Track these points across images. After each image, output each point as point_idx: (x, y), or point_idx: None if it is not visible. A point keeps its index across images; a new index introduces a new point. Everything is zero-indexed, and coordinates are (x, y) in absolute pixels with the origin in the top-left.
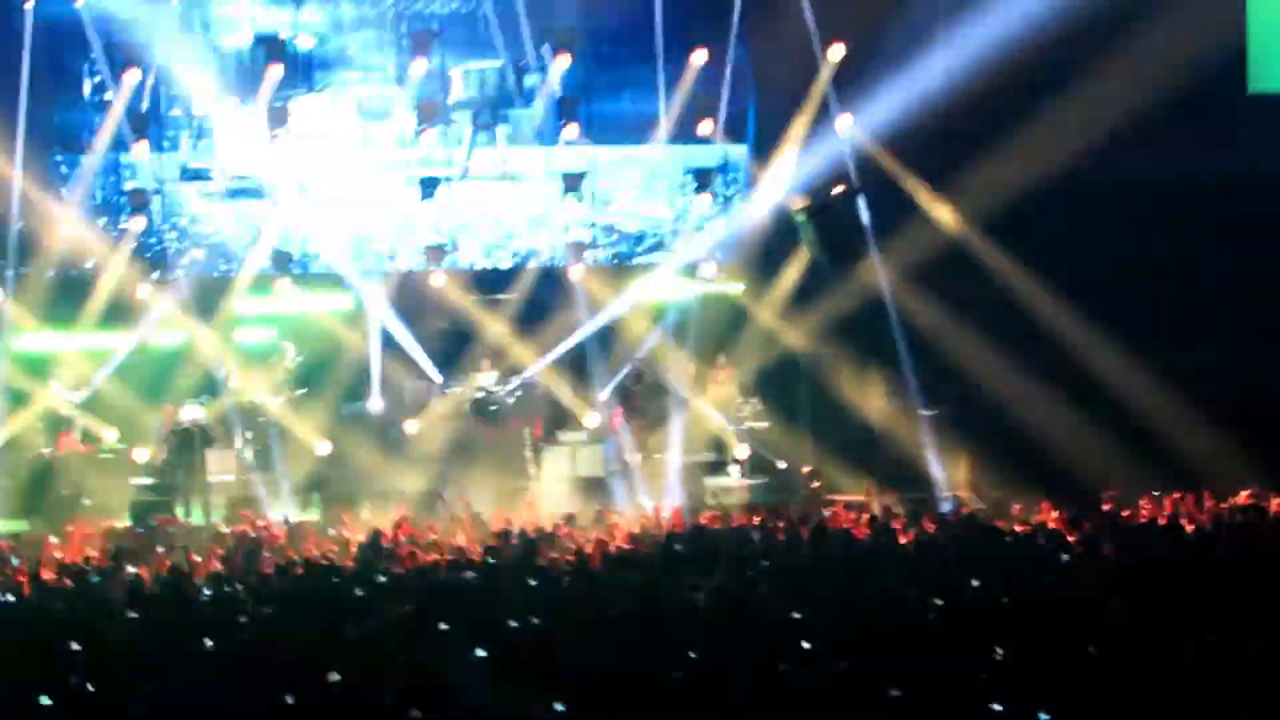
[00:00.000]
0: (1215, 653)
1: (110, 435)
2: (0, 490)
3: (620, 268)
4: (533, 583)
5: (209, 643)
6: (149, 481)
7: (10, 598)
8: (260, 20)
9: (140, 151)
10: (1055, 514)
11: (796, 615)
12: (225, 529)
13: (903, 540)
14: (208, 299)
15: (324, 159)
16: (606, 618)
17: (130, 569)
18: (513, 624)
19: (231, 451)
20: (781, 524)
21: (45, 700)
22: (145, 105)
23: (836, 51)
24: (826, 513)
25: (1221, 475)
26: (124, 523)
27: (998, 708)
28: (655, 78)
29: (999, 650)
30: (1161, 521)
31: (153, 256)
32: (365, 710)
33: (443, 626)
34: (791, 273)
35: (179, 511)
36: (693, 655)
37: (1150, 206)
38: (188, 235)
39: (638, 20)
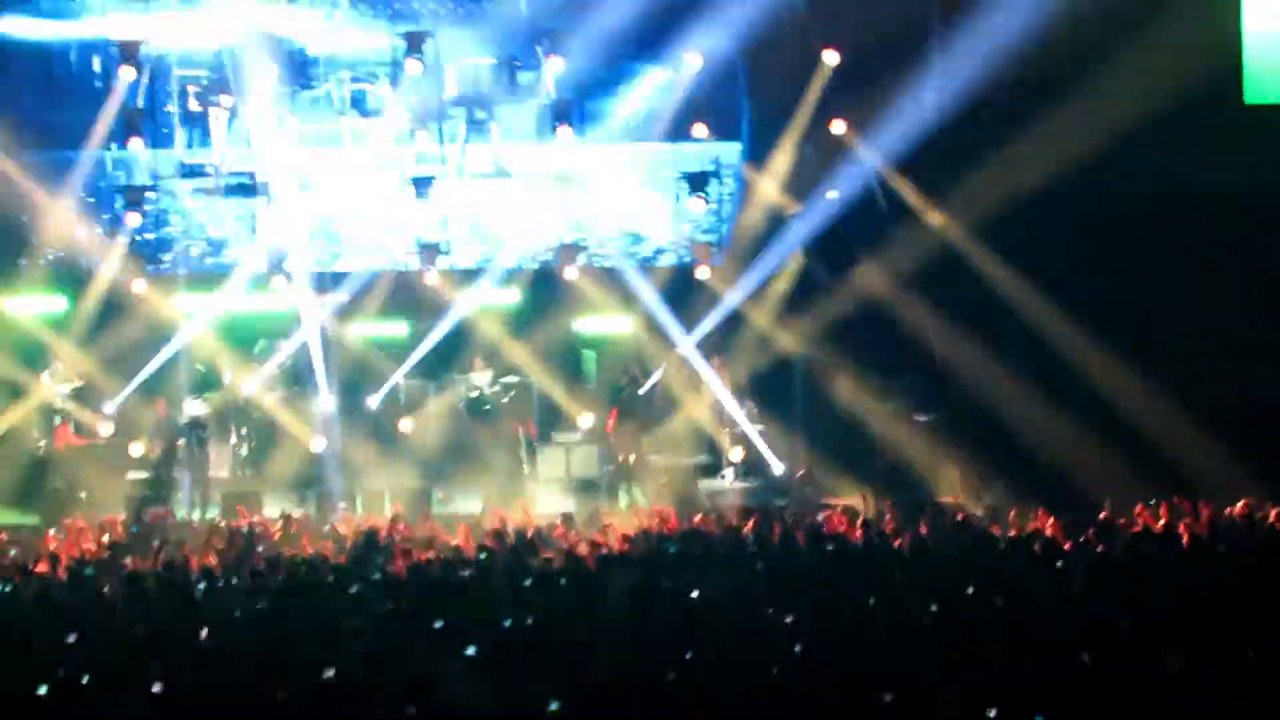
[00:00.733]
0: (1209, 661)
1: (105, 429)
2: None
3: (613, 270)
4: (527, 582)
5: (204, 637)
6: (144, 476)
7: (7, 590)
8: (256, 18)
9: (136, 147)
10: (1051, 521)
11: (790, 618)
12: (221, 524)
13: (896, 545)
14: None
15: (319, 157)
16: (601, 618)
17: (126, 563)
18: (507, 623)
19: (227, 447)
20: (775, 527)
21: (42, 691)
22: (140, 101)
23: (831, 57)
24: (820, 516)
25: (1217, 484)
26: (120, 516)
27: (992, 713)
28: (649, 78)
29: (993, 655)
30: (1157, 530)
31: (148, 252)
32: (360, 707)
33: (437, 624)
34: (785, 276)
35: (175, 507)
36: (687, 656)
37: (1146, 216)
38: (183, 231)
39: (631, 20)
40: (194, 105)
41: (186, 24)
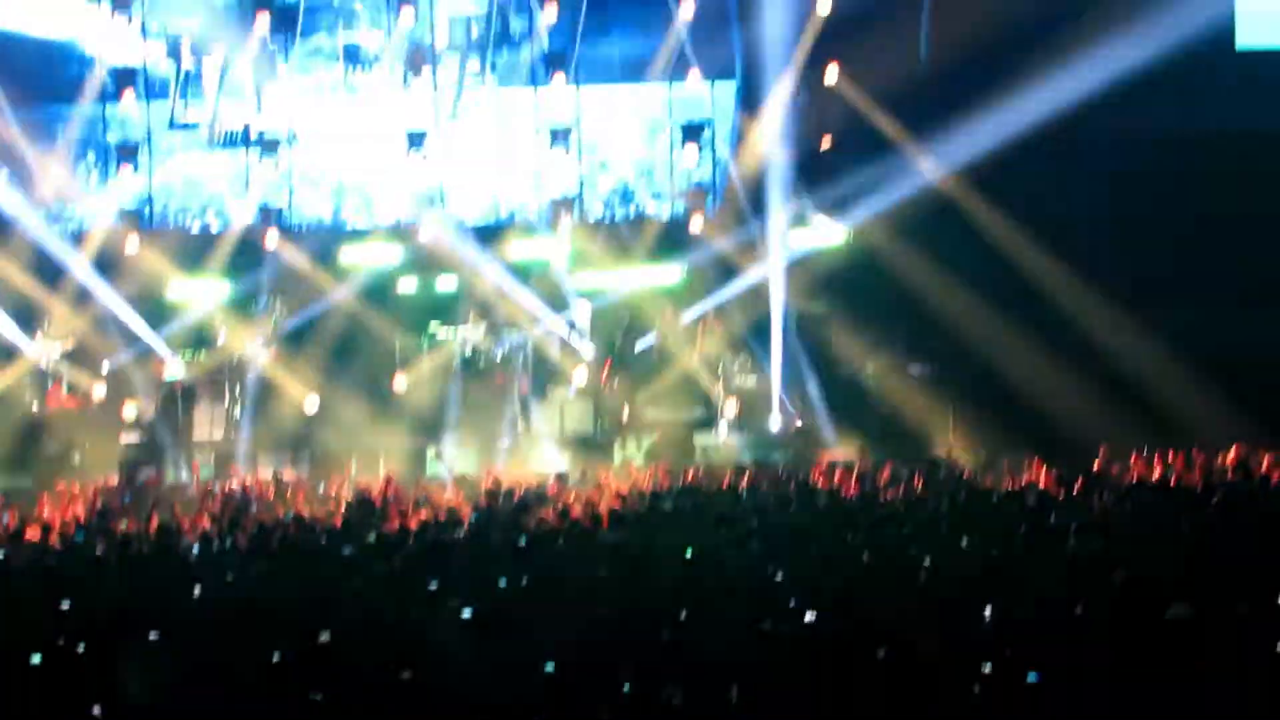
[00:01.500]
0: (1205, 613)
1: (98, 390)
2: None
3: (607, 221)
4: (521, 542)
5: (198, 601)
6: (137, 438)
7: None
8: None
9: (128, 102)
10: (1045, 472)
11: (785, 574)
12: (214, 486)
13: (891, 498)
14: (195, 252)
15: (311, 109)
16: (595, 577)
17: (119, 527)
18: (502, 583)
19: (221, 408)
20: (770, 482)
21: (35, 659)
22: (132, 56)
23: (824, 4)
24: (815, 471)
25: (1210, 432)
26: (113, 480)
27: (986, 668)
28: (645, 20)
29: (988, 610)
30: (1151, 480)
31: (140, 208)
32: (354, 669)
33: (432, 586)
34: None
35: (168, 468)
36: (682, 615)
37: (1139, 162)
38: (176, 186)
39: None
40: (187, 60)
41: None
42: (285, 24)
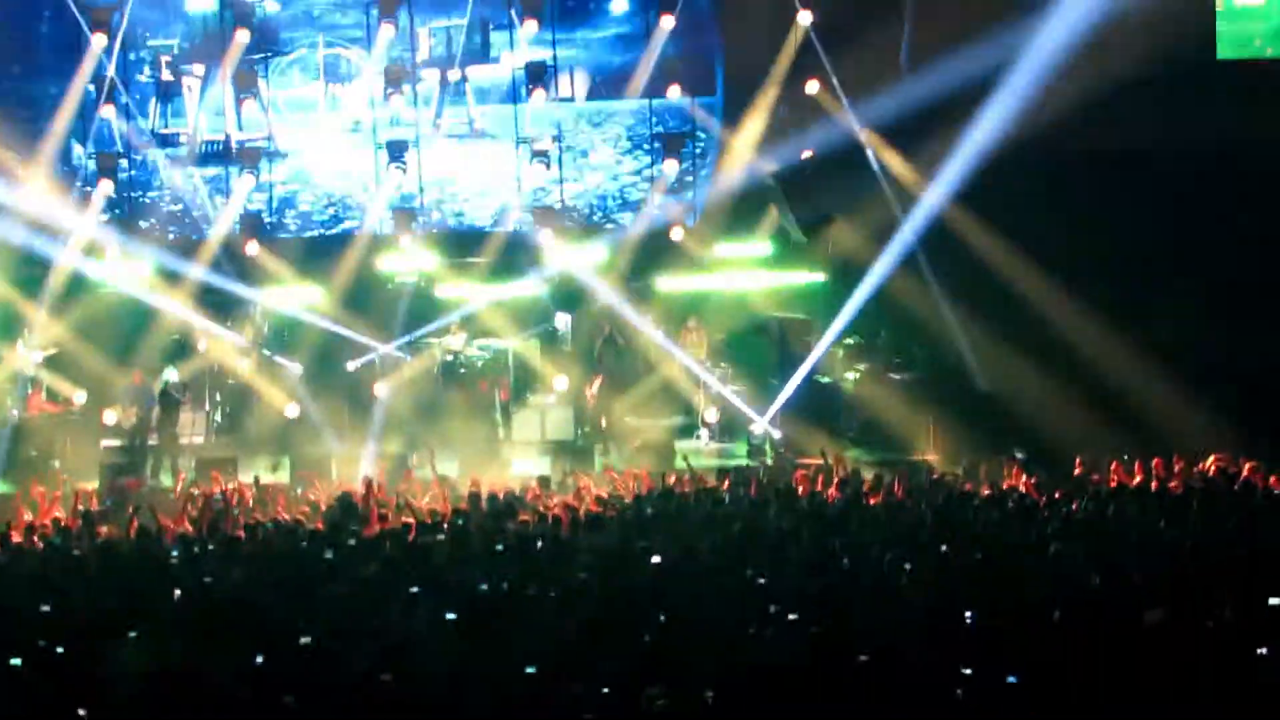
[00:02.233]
0: (1183, 618)
1: (79, 396)
2: None
3: (587, 229)
4: (502, 546)
5: (178, 603)
6: (118, 444)
7: None
8: None
9: (108, 115)
10: (1025, 478)
11: (765, 578)
12: (195, 491)
13: (871, 503)
14: (176, 262)
15: (292, 123)
16: (576, 581)
17: (100, 531)
18: (483, 587)
19: (202, 413)
20: (751, 487)
21: (15, 662)
22: (112, 69)
23: (805, 17)
24: (795, 476)
25: (1191, 440)
26: (94, 484)
27: (967, 671)
28: (625, 37)
29: (968, 614)
30: (1131, 486)
31: (121, 220)
32: (335, 672)
33: (413, 589)
34: (761, 236)
35: (149, 473)
36: (662, 618)
37: (1120, 174)
38: (157, 199)
39: None
40: (166, 75)
41: None
42: (265, 37)
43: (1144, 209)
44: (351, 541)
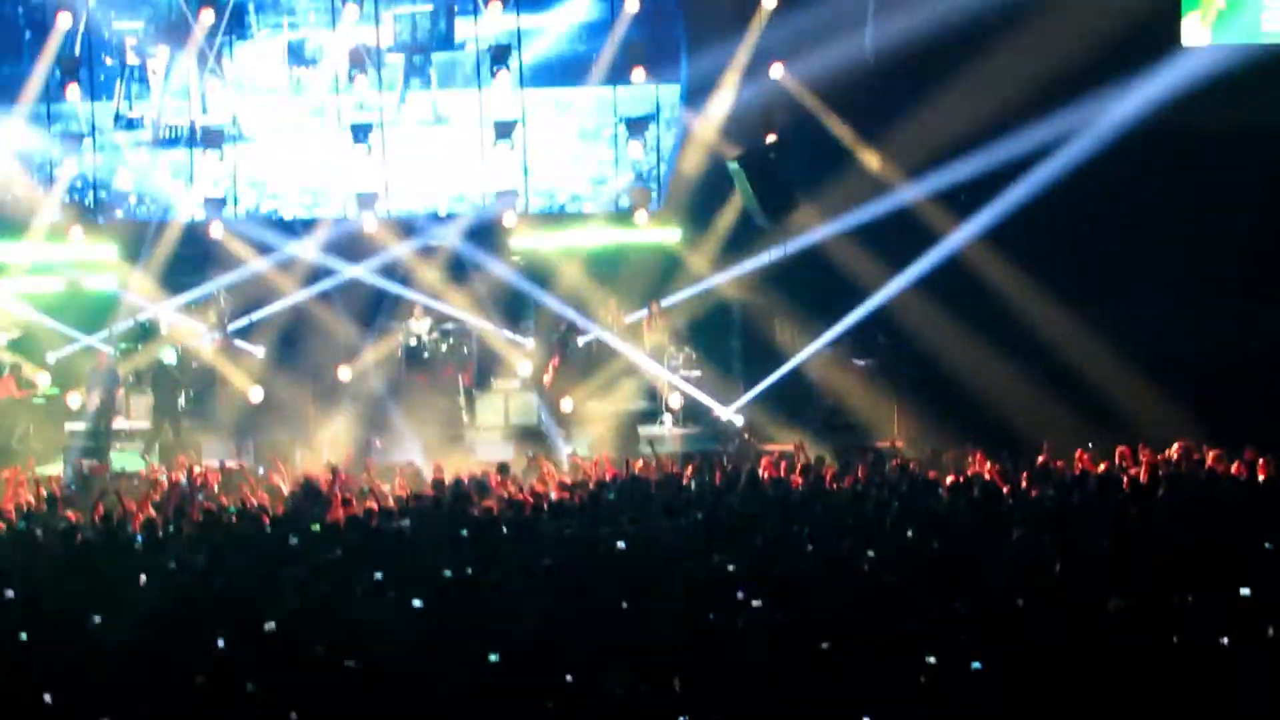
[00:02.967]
0: (1146, 606)
1: (43, 380)
2: None
3: (551, 215)
4: (465, 532)
5: (143, 589)
6: (83, 428)
7: None
8: None
9: (72, 95)
10: (989, 465)
11: (729, 565)
12: (159, 476)
13: (835, 490)
14: (139, 245)
15: (256, 106)
16: (540, 567)
17: (65, 516)
18: (446, 573)
19: (167, 398)
20: (715, 473)
21: None
22: (78, 51)
23: (770, 1)
24: (760, 462)
25: (1156, 428)
26: (58, 469)
27: (930, 659)
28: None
29: (931, 601)
30: (1096, 474)
31: (84, 202)
32: (298, 658)
33: (376, 575)
34: (724, 221)
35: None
36: (624, 605)
37: (1084, 158)
38: (120, 182)
39: None
40: (131, 58)
41: None
42: (230, 20)
43: (1104, 193)
44: (315, 527)
